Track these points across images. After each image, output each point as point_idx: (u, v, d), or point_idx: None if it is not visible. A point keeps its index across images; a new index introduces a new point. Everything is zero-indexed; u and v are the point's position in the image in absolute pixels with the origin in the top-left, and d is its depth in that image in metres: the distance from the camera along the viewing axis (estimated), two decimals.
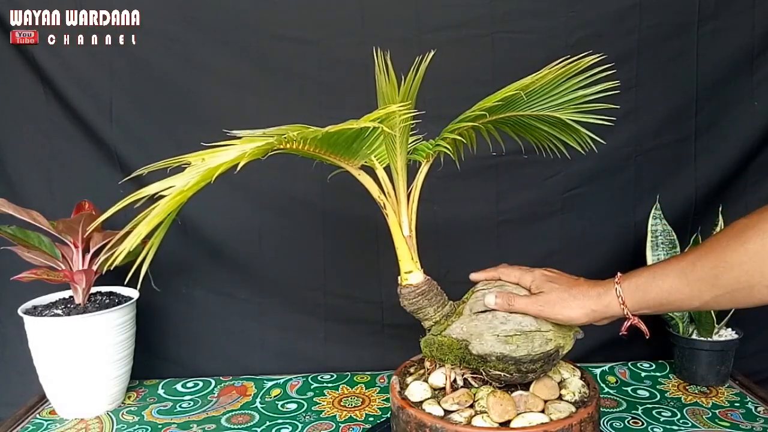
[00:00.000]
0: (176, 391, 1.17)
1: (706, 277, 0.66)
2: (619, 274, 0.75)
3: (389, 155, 0.80)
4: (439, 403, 0.76)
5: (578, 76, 0.74)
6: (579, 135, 0.81)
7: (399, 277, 0.82)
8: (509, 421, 0.72)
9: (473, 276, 0.85)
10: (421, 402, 0.77)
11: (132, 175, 0.84)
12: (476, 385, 0.78)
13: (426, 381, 0.81)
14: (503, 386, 0.78)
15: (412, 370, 0.88)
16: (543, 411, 0.75)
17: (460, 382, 0.79)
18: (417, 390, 0.79)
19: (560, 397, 0.78)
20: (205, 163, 0.60)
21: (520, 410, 0.74)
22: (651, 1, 1.16)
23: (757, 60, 1.18)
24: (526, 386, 0.78)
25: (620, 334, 0.76)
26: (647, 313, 0.73)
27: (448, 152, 0.82)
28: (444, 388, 0.79)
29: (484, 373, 0.77)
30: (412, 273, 0.81)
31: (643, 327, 0.74)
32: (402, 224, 0.81)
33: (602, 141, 0.80)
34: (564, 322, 0.75)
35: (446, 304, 0.82)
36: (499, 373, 0.75)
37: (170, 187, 0.60)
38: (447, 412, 0.75)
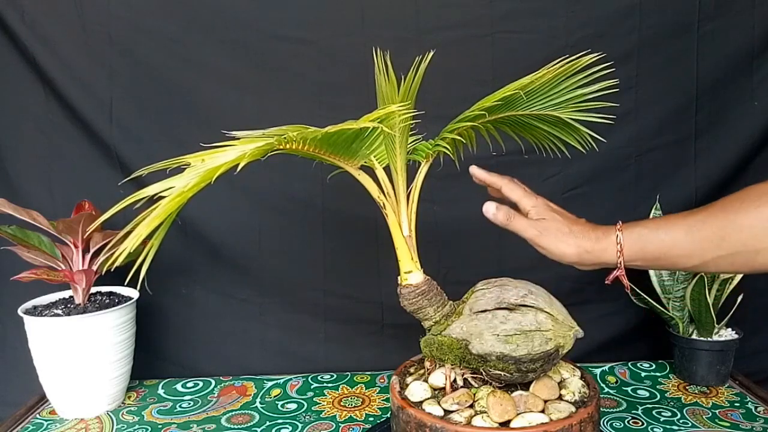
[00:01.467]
0: (176, 391, 1.17)
1: (713, 237, 0.65)
2: (620, 221, 0.73)
3: (389, 155, 0.80)
4: (439, 403, 0.76)
5: (577, 75, 0.74)
6: (579, 134, 0.81)
7: (399, 277, 0.82)
8: (509, 421, 0.72)
9: (473, 169, 0.83)
10: (421, 402, 0.77)
11: (132, 176, 0.84)
12: (476, 385, 0.78)
13: (426, 381, 0.81)
14: (503, 386, 0.78)
15: (412, 370, 0.87)
16: (543, 411, 0.75)
17: (460, 382, 0.79)
18: (417, 390, 0.79)
19: (560, 397, 0.78)
20: (205, 164, 0.60)
21: (520, 410, 0.74)
22: (651, 1, 1.16)
23: (757, 60, 1.18)
24: (525, 386, 0.78)
25: (605, 282, 0.75)
26: (640, 266, 0.73)
27: (447, 152, 0.82)
28: (444, 388, 0.79)
29: (484, 373, 0.77)
30: (411, 273, 0.81)
31: (625, 281, 0.73)
32: (402, 224, 0.81)
33: (603, 139, 0.80)
34: (555, 256, 0.74)
35: (446, 304, 0.82)
36: (499, 372, 0.75)
37: (170, 188, 0.60)
38: (447, 412, 0.75)
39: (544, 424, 0.71)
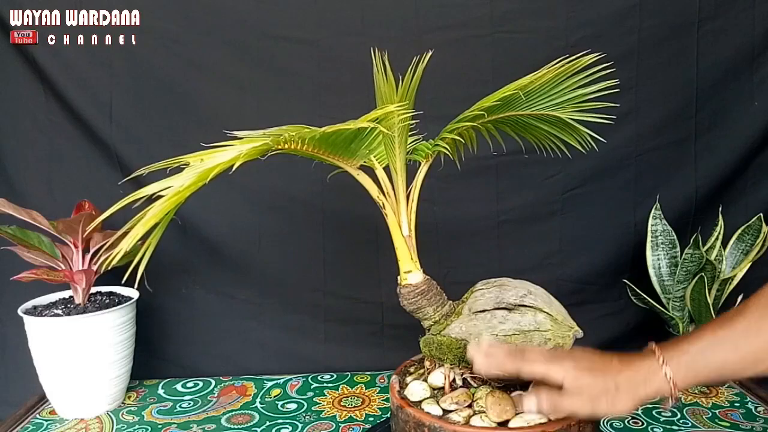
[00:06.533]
0: (176, 391, 1.17)
1: (764, 347, 0.64)
2: (657, 351, 0.68)
3: (388, 155, 0.80)
4: (438, 402, 0.76)
5: (577, 75, 0.74)
6: (579, 134, 0.81)
7: (399, 277, 0.82)
8: (507, 421, 0.72)
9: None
10: (420, 401, 0.77)
11: (132, 176, 0.84)
12: (475, 385, 0.78)
13: (425, 380, 0.81)
14: (502, 386, 0.78)
15: (412, 369, 0.88)
16: None
17: (459, 382, 0.79)
18: (416, 389, 0.79)
19: None
20: (203, 164, 0.60)
21: (519, 410, 0.74)
22: (651, 1, 1.16)
23: (757, 60, 1.18)
24: (524, 386, 0.78)
25: (664, 409, 0.74)
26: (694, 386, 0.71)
27: (447, 152, 0.82)
28: (443, 388, 0.79)
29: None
30: (411, 273, 0.81)
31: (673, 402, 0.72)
32: (401, 224, 0.81)
33: (603, 140, 0.80)
34: (615, 416, 0.76)
35: (445, 304, 0.82)
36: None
37: (168, 187, 0.60)
38: (445, 411, 0.75)
39: (543, 424, 0.71)
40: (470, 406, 0.75)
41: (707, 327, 0.68)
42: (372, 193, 0.80)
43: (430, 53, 0.73)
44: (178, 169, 0.64)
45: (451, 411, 0.74)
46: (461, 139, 0.83)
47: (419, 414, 0.73)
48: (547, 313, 0.77)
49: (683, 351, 0.67)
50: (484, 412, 0.73)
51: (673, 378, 0.66)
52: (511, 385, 0.78)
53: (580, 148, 0.83)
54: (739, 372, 0.66)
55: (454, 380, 0.79)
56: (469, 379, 0.79)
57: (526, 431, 0.70)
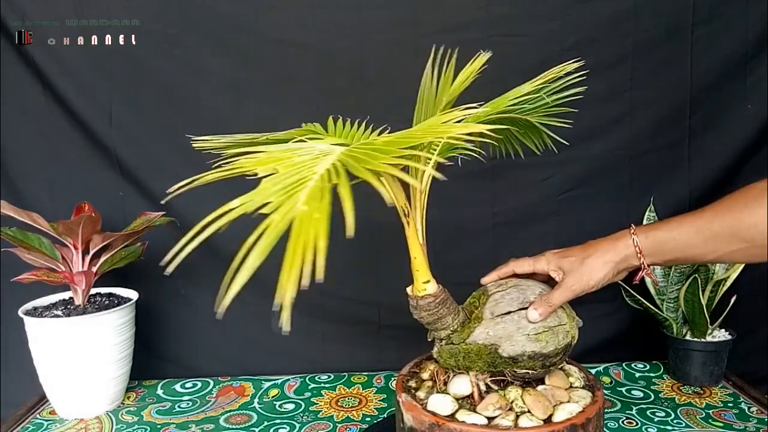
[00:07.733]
0: (175, 392, 1.18)
1: (723, 235, 0.69)
2: (632, 225, 0.77)
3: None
4: (474, 411, 0.73)
5: (556, 82, 0.75)
6: (540, 137, 0.82)
7: (411, 288, 0.78)
8: (550, 416, 0.71)
9: (485, 279, 0.84)
10: (452, 414, 0.73)
11: (168, 197, 0.73)
12: (496, 388, 0.77)
13: (445, 392, 0.77)
14: (522, 384, 0.77)
15: (413, 384, 0.83)
16: (569, 400, 0.74)
17: (483, 387, 0.76)
18: (441, 403, 0.75)
19: (571, 385, 0.79)
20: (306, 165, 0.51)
21: (553, 403, 0.74)
22: (646, 5, 1.17)
23: (751, 63, 1.19)
24: (537, 381, 0.78)
25: (633, 282, 0.80)
26: (660, 265, 0.78)
27: (467, 152, 0.80)
28: (470, 396, 0.76)
29: (508, 374, 0.76)
30: (429, 283, 0.76)
31: (653, 277, 0.77)
32: (418, 231, 0.76)
33: (566, 142, 0.82)
34: (596, 286, 0.77)
35: (460, 311, 0.79)
36: (526, 371, 0.75)
37: (267, 203, 0.49)
38: (489, 419, 0.72)
39: (582, 413, 0.71)
40: (511, 408, 0.73)
41: (682, 215, 0.75)
42: (399, 200, 0.74)
43: (489, 54, 0.72)
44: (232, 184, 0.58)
45: (494, 417, 0.72)
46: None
47: (466, 428, 0.69)
48: (563, 307, 0.78)
49: (653, 227, 0.76)
50: (525, 412, 0.72)
51: (639, 245, 0.75)
52: (528, 382, 0.77)
53: (536, 150, 0.86)
54: (700, 256, 0.73)
55: (478, 386, 0.77)
56: (490, 383, 0.77)
57: (573, 422, 0.70)
